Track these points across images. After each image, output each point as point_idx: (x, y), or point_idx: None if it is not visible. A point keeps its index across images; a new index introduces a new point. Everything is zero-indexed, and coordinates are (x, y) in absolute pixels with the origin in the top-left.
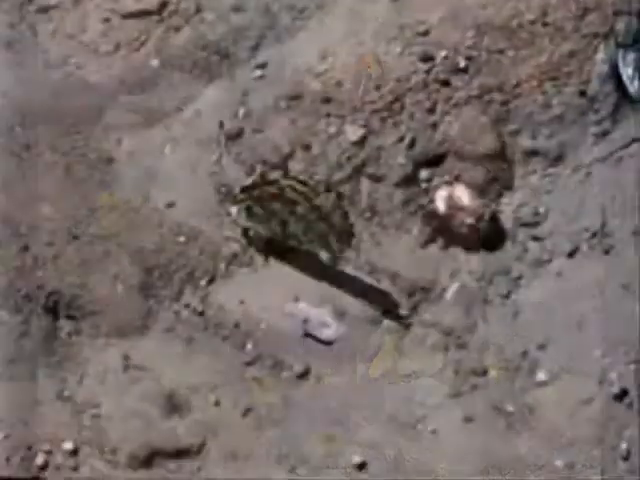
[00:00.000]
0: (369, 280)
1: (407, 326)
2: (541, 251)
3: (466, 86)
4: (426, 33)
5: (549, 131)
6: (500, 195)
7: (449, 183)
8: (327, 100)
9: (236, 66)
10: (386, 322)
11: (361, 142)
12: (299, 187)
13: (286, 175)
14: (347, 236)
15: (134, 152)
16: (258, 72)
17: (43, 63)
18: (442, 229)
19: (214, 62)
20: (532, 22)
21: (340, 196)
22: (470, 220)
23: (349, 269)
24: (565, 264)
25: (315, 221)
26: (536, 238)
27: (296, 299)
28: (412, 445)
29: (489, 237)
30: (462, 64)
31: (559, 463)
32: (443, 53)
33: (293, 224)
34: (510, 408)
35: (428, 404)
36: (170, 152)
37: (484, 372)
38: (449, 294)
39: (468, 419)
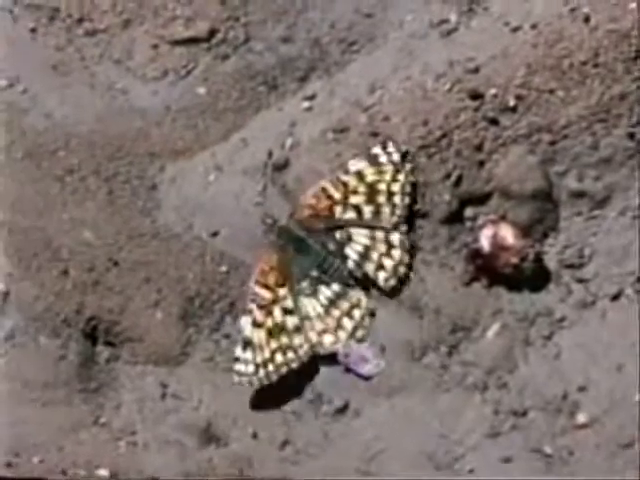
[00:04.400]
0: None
1: (447, 364)
2: (585, 293)
3: (514, 125)
4: (476, 70)
5: (596, 173)
6: (545, 236)
7: (494, 222)
8: (374, 134)
9: (284, 97)
10: (426, 359)
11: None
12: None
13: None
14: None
15: (178, 179)
16: (306, 104)
17: (89, 87)
18: (486, 268)
19: (262, 92)
20: (583, 63)
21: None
22: (514, 260)
23: (391, 304)
24: (608, 307)
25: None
26: (580, 280)
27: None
28: None
29: (533, 277)
30: (511, 103)
31: None
32: (492, 91)
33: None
34: (549, 450)
35: (466, 443)
36: (214, 180)
37: (523, 413)
38: (490, 333)
39: (506, 460)
